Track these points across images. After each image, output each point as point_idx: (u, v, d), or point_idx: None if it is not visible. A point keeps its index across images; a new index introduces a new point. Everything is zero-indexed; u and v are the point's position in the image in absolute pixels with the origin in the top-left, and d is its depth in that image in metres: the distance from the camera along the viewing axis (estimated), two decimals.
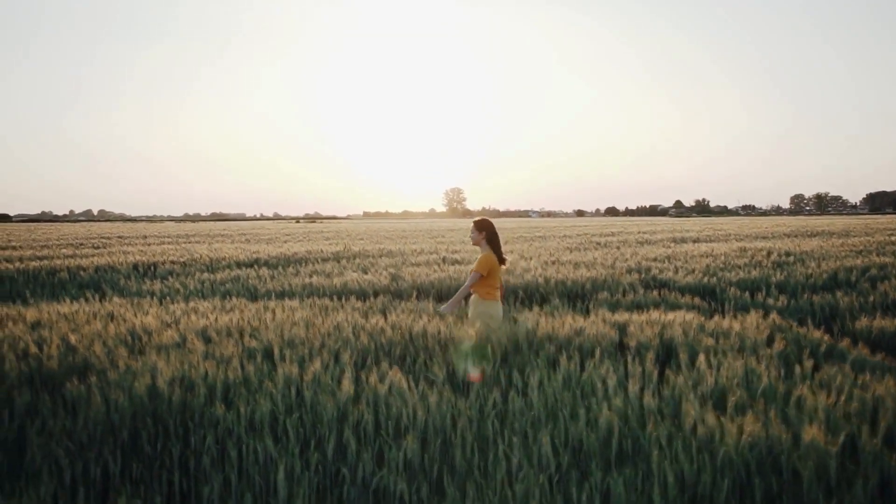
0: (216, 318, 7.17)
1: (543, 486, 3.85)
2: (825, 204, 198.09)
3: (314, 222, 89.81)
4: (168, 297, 10.12)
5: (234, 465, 4.07)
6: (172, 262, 14.31)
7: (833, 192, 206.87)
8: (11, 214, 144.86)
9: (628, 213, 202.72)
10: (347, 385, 4.79)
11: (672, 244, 19.34)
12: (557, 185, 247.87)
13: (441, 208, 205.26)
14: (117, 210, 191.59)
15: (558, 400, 4.76)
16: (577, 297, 10.20)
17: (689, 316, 7.34)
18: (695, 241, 20.75)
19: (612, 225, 47.97)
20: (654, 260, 14.01)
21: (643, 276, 11.62)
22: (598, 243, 20.24)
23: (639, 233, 27.96)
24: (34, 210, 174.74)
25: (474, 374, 5.65)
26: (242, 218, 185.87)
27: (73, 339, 6.06)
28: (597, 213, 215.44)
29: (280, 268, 13.28)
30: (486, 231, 6.80)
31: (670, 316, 7.31)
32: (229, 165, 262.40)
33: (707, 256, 14.46)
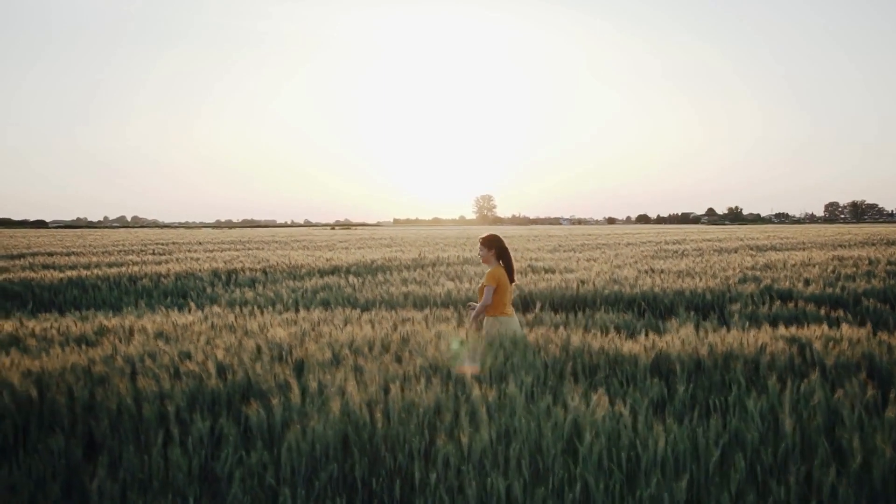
0: (353, 331, 6.64)
1: None
2: (861, 212, 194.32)
3: (349, 229, 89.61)
4: (270, 307, 9.65)
5: None
6: (251, 270, 13.88)
7: (868, 200, 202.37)
8: (48, 221, 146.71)
9: (660, 220, 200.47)
10: (559, 410, 4.23)
11: (754, 252, 18.58)
12: (587, 192, 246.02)
13: (471, 215, 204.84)
14: (150, 217, 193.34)
15: (798, 427, 4.15)
16: (702, 308, 9.56)
17: (864, 331, 6.68)
18: (775, 250, 19.95)
19: (667, 232, 47.02)
20: (753, 268, 13.31)
21: (759, 286, 10.92)
22: (675, 251, 19.52)
23: (704, 241, 27.14)
24: (68, 217, 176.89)
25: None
26: (274, 224, 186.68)
27: (219, 354, 5.56)
28: (627, 220, 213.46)
29: (368, 276, 12.77)
30: (495, 248, 6.48)
31: (846, 330, 6.65)
32: (257, 173, 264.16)
33: (808, 265, 13.72)
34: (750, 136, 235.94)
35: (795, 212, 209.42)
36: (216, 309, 9.13)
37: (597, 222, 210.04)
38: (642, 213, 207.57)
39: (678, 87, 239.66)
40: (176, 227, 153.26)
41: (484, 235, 6.58)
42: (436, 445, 3.86)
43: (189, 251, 21.42)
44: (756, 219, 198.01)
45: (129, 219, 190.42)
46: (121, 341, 6.35)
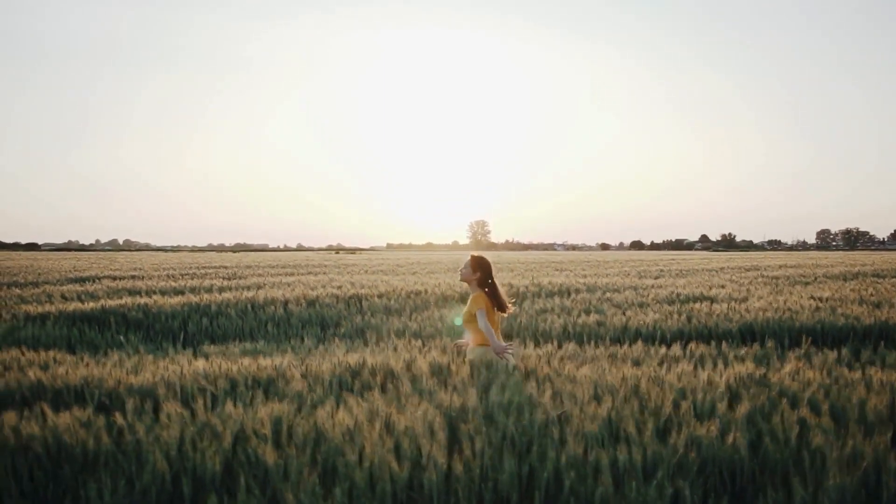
0: (705, 377, 5.36)
1: None
2: (854, 239, 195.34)
3: (354, 253, 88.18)
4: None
5: None
6: (378, 297, 12.59)
7: (859, 228, 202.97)
8: (40, 243, 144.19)
9: (654, 246, 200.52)
10: None
11: (874, 279, 17.52)
12: (579, 218, 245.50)
13: (464, 240, 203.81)
14: (142, 240, 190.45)
15: None
16: None
17: None
18: (891, 277, 18.91)
19: (712, 259, 46.01)
20: None
21: None
22: (784, 277, 18.45)
23: (785, 267, 26.05)
24: (59, 239, 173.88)
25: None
26: (267, 248, 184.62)
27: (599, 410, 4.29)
28: (620, 246, 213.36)
29: (522, 304, 11.54)
30: (480, 272, 5.78)
31: None
32: (247, 197, 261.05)
33: None
34: (752, 164, 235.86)
35: (787, 239, 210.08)
36: (415, 341, 7.88)
37: (590, 248, 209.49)
38: (635, 239, 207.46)
39: (682, 114, 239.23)
40: (169, 250, 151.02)
41: (475, 254, 5.83)
42: None
43: (259, 276, 20.06)
44: (749, 245, 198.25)
45: (120, 242, 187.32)
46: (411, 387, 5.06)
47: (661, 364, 6.33)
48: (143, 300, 11.53)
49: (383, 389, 5.15)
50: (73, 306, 11.27)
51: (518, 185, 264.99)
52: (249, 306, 11.31)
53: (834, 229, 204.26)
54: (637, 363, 6.44)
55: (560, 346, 7.45)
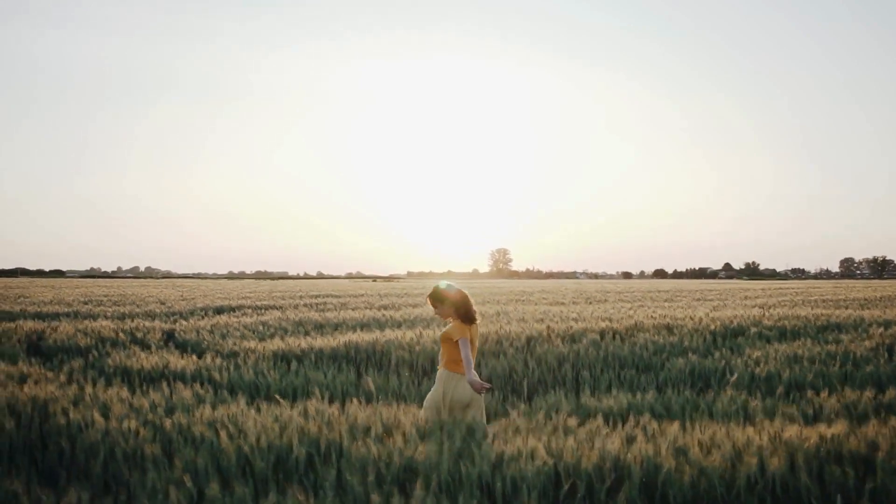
0: None
1: None
2: (881, 267, 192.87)
3: (391, 281, 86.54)
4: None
5: None
6: (627, 332, 10.84)
7: (882, 256, 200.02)
8: (64, 270, 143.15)
9: (677, 275, 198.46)
10: None
11: None
12: (600, 246, 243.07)
13: (485, 268, 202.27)
14: (163, 268, 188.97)
15: None
16: None
17: None
18: None
19: (821, 288, 44.11)
20: None
21: None
22: None
23: (861, 299, 23.95)
24: (81, 266, 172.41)
25: None
26: (286, 276, 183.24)
27: None
28: (642, 275, 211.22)
29: (774, 343, 9.81)
30: (450, 304, 5.32)
31: None
32: (265, 225, 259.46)
33: None
34: (762, 191, 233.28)
35: (810, 267, 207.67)
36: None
37: (611, 277, 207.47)
38: (658, 267, 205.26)
39: (693, 140, 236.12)
40: (191, 277, 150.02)
41: (435, 289, 5.32)
42: None
43: (406, 306, 18.31)
44: (773, 274, 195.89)
45: (142, 269, 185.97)
46: None
47: None
48: (391, 335, 9.80)
49: None
50: (304, 342, 9.56)
51: (536, 213, 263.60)
52: (520, 344, 9.56)
53: (857, 258, 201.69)
54: None
55: None
